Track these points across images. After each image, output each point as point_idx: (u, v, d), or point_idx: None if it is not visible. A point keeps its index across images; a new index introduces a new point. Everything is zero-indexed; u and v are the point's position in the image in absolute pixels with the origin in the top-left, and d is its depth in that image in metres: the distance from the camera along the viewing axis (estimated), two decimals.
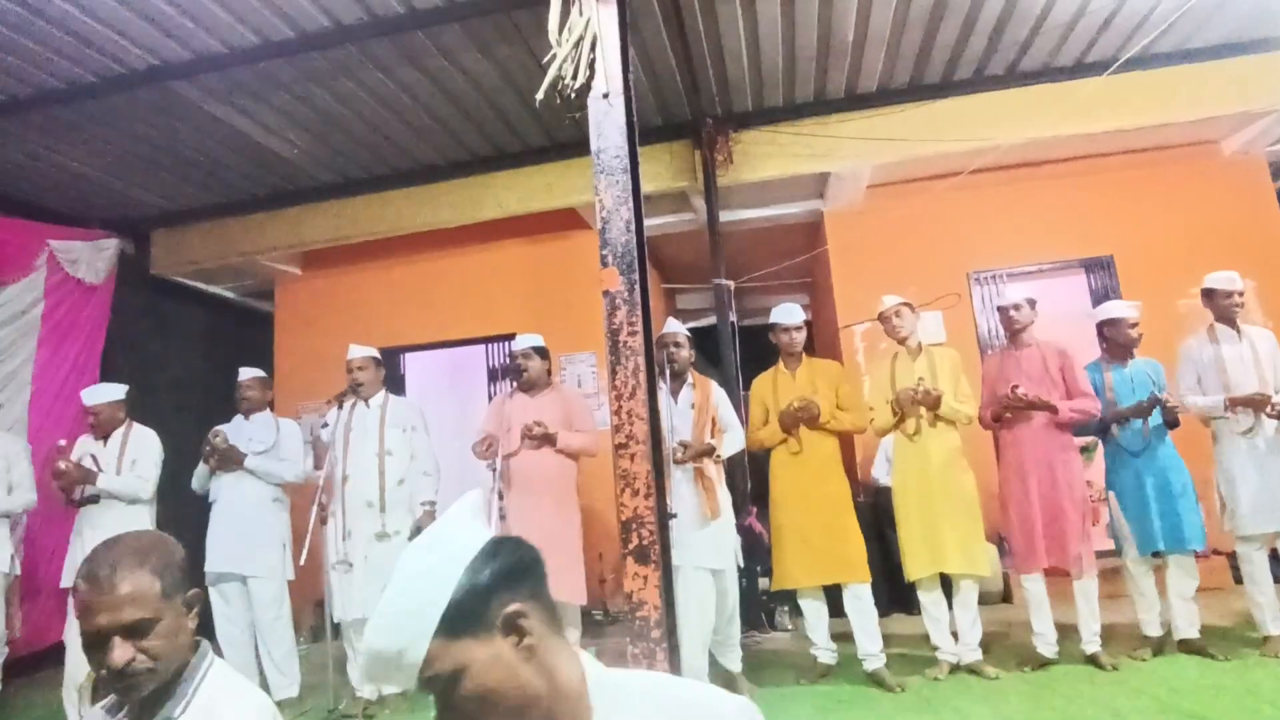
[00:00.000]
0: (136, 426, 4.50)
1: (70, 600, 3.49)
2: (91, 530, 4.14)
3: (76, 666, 3.99)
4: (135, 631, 1.29)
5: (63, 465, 4.19)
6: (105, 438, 4.40)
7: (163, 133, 5.40)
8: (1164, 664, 3.82)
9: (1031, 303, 4.19)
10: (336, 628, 4.29)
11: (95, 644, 1.30)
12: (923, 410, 4.01)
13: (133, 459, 4.39)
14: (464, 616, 0.93)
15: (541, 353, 4.41)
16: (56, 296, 6.01)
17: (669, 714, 0.96)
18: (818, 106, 5.84)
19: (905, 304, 4.20)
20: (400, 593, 0.95)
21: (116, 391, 4.49)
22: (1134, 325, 4.16)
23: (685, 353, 4.17)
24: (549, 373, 4.50)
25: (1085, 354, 4.25)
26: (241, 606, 4.42)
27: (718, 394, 4.22)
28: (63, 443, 4.30)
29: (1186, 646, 3.90)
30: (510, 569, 0.97)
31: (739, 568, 4.14)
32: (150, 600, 1.30)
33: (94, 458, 4.29)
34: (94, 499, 4.28)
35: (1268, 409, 3.85)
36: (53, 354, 5.94)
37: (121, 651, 1.28)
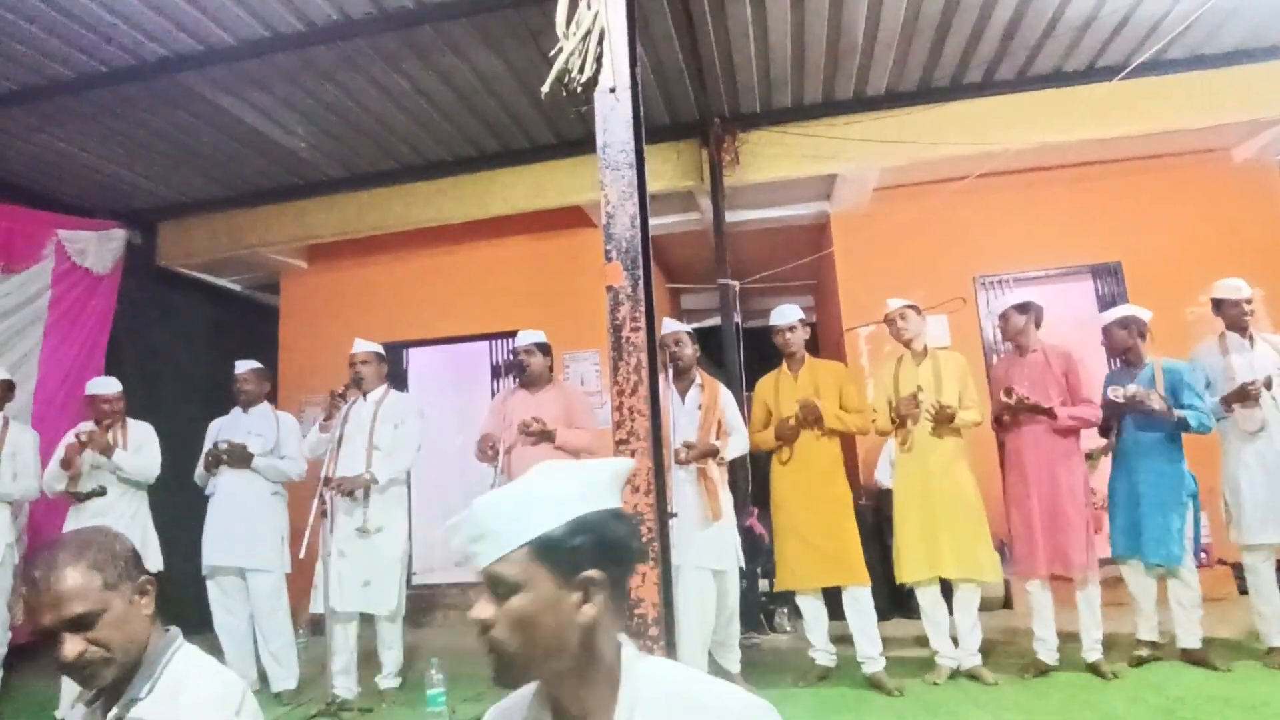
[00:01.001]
0: (130, 419, 4.59)
1: None
2: (99, 520, 4.16)
3: None
4: (80, 624, 1.31)
5: (84, 436, 4.24)
6: (109, 428, 4.44)
7: (171, 124, 5.42)
8: (1165, 673, 3.79)
9: (1022, 308, 4.12)
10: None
11: (48, 642, 1.32)
12: (928, 421, 3.98)
13: (138, 446, 4.48)
14: (558, 550, 0.98)
15: (543, 349, 4.39)
16: (63, 286, 6.04)
17: (683, 703, 1.00)
18: (826, 108, 5.82)
19: (910, 307, 4.17)
20: (530, 491, 1.01)
21: (118, 385, 4.59)
22: (1108, 331, 4.14)
23: (688, 350, 4.17)
24: (551, 369, 4.48)
25: (1091, 359, 4.22)
26: (240, 599, 4.44)
27: (725, 396, 4.22)
28: (83, 432, 4.32)
29: (1188, 656, 3.87)
30: (619, 544, 1.02)
31: (740, 569, 4.12)
32: (91, 593, 1.31)
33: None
34: (100, 492, 4.31)
35: (1252, 396, 3.83)
36: (59, 343, 5.96)
37: (71, 645, 1.30)
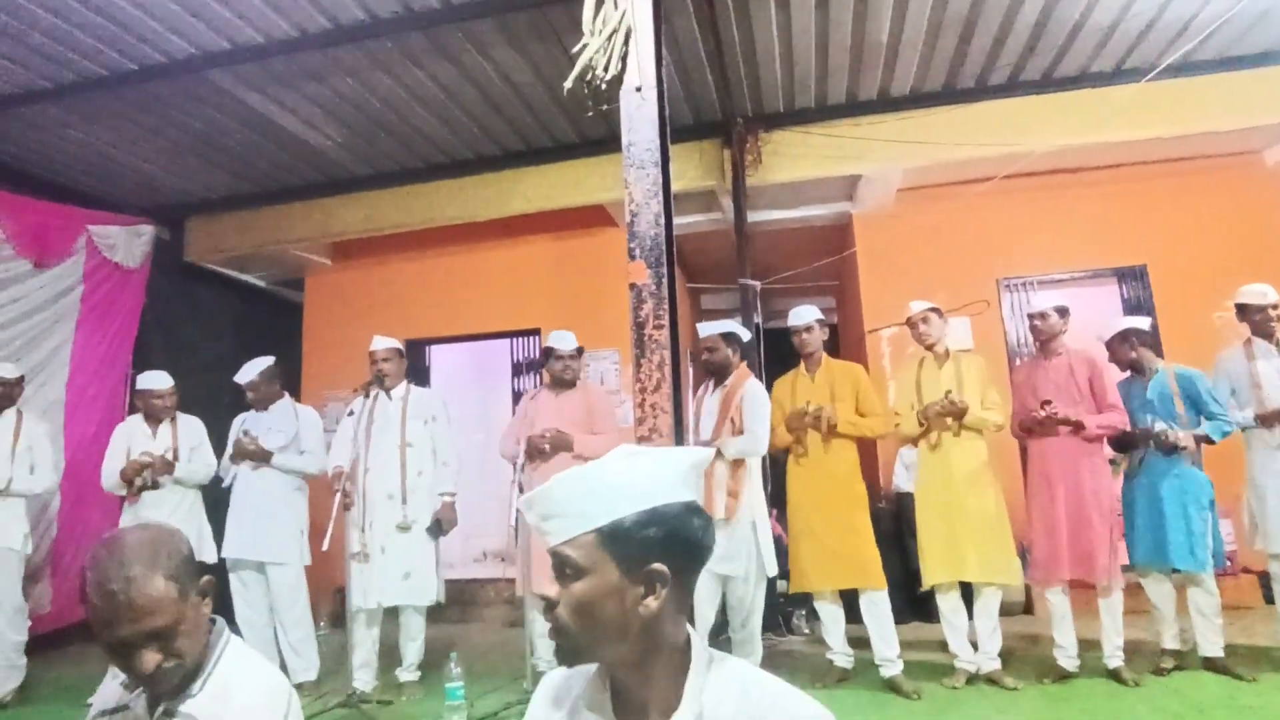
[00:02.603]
0: (181, 414, 4.62)
1: None
2: (153, 511, 4.22)
3: None
4: (159, 637, 1.27)
5: (147, 458, 4.29)
6: (158, 424, 4.49)
7: (200, 121, 5.50)
8: (1187, 681, 3.74)
9: (1061, 311, 4.09)
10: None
11: (119, 651, 1.27)
12: (949, 420, 3.96)
13: (191, 446, 4.54)
14: (627, 539, 0.96)
15: (580, 352, 4.42)
16: (94, 280, 6.15)
17: (752, 702, 0.98)
18: (850, 108, 5.80)
19: (933, 309, 4.15)
20: (607, 476, 0.99)
21: (170, 379, 4.61)
22: (1110, 346, 4.12)
23: (719, 355, 4.01)
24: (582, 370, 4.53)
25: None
26: (260, 591, 4.48)
27: (748, 393, 3.92)
28: (146, 459, 4.36)
29: (1210, 665, 3.81)
30: (690, 539, 0.99)
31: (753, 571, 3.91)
32: (170, 605, 1.27)
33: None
34: (154, 485, 4.36)
35: None
36: (90, 336, 6.07)
37: (149, 658, 1.26)
